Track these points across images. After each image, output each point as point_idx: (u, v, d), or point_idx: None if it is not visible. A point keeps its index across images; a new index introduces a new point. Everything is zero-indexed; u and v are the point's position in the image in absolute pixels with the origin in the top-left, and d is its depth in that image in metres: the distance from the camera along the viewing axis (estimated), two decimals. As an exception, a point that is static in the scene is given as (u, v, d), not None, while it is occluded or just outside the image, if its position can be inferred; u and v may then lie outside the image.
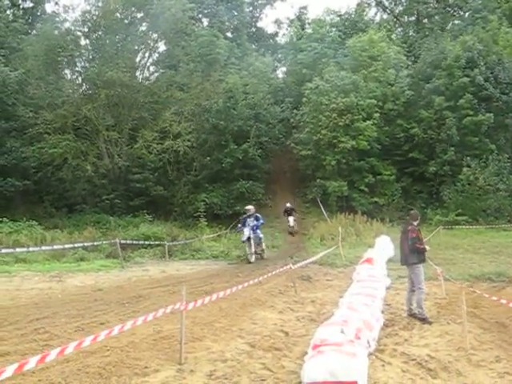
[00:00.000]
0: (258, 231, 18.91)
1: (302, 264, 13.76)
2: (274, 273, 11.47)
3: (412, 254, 9.51)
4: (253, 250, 18.41)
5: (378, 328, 7.91)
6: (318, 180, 29.00)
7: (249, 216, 18.97)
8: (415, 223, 9.85)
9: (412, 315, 9.45)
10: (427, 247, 9.88)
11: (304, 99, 30.35)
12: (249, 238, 18.38)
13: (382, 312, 9.31)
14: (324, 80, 29.70)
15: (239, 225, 19.50)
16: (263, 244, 19.31)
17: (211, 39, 33.98)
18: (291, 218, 26.70)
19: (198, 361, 6.80)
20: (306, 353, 6.63)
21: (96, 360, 6.56)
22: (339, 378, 5.49)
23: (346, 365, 5.59)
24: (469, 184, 26.65)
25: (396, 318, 9.51)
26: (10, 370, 4.32)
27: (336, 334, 6.42)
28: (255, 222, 18.78)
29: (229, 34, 43.56)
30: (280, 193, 31.03)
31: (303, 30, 43.00)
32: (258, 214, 19.35)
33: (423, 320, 9.13)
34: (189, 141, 28.18)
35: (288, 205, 27.03)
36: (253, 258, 18.22)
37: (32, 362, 4.53)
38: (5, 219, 22.51)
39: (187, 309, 6.96)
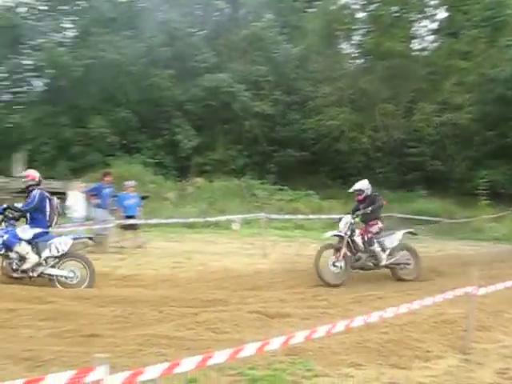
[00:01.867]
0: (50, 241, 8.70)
1: None
2: None
3: None
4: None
5: None
6: None
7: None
8: None
9: None
10: None
11: None
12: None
13: None
14: None
15: None
16: None
17: (499, 0, 30.96)
18: (344, 223, 10.31)
19: (487, 354, 6.01)
20: None
21: (375, 335, 6.30)
22: None
23: None
24: None
25: None
26: (300, 336, 4.36)
27: None
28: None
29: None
30: None
31: None
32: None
33: None
34: (470, 113, 26.20)
35: (358, 185, 10.88)
36: None
37: (321, 331, 4.52)
38: (285, 187, 24.53)
39: (477, 294, 6.21)
